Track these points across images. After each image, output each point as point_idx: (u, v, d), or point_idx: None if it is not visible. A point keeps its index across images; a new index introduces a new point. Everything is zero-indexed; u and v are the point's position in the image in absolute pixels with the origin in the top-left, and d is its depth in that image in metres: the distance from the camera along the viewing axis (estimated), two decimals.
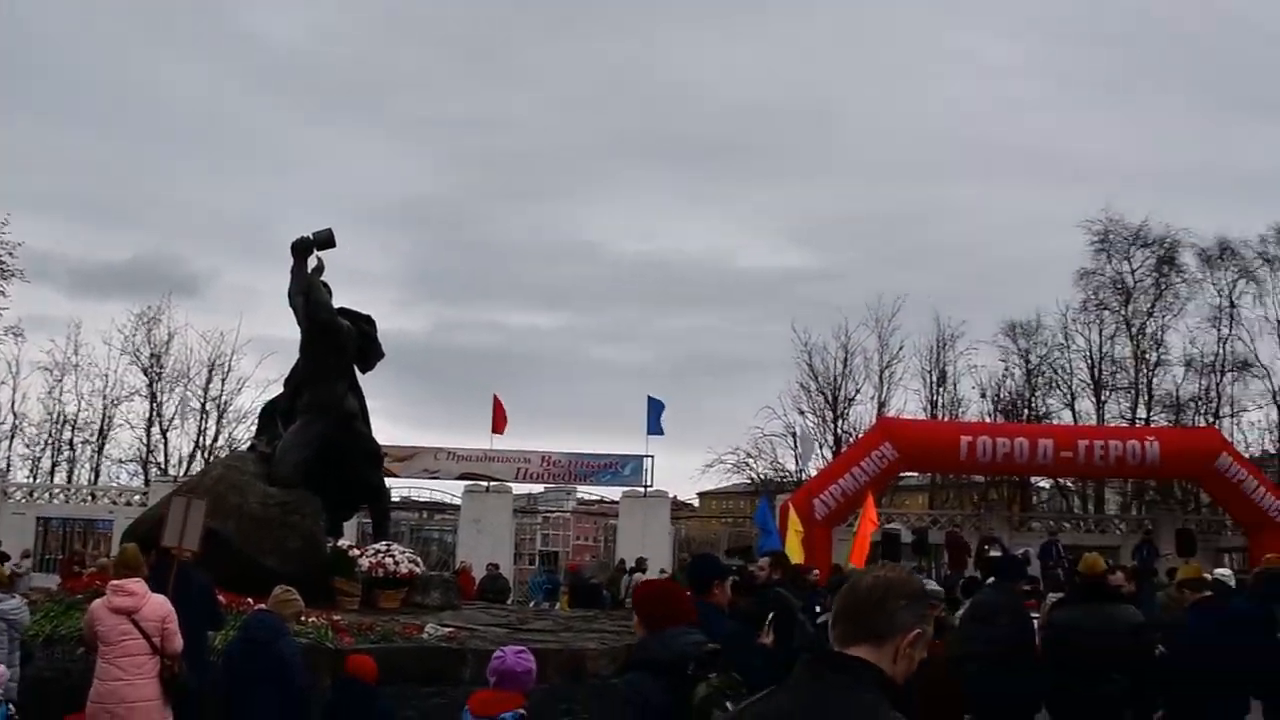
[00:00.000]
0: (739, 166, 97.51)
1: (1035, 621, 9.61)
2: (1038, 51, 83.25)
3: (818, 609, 10.22)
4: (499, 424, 31.46)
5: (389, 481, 18.58)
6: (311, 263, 14.95)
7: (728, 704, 4.47)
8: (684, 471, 78.55)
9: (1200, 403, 44.60)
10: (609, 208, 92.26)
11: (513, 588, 29.52)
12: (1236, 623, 8.26)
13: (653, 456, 32.31)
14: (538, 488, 44.46)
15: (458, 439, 38.67)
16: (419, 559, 15.71)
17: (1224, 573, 11.88)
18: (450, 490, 33.68)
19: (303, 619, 10.41)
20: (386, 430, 25.05)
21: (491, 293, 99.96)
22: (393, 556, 14.29)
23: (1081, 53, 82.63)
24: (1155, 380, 44.89)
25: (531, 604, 24.86)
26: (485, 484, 31.76)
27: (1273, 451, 44.41)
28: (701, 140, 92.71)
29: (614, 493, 33.76)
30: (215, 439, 40.33)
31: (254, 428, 18.82)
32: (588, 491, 41.93)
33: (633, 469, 32.45)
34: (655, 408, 31.64)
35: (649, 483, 32.15)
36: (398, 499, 36.57)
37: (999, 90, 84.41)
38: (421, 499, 36.77)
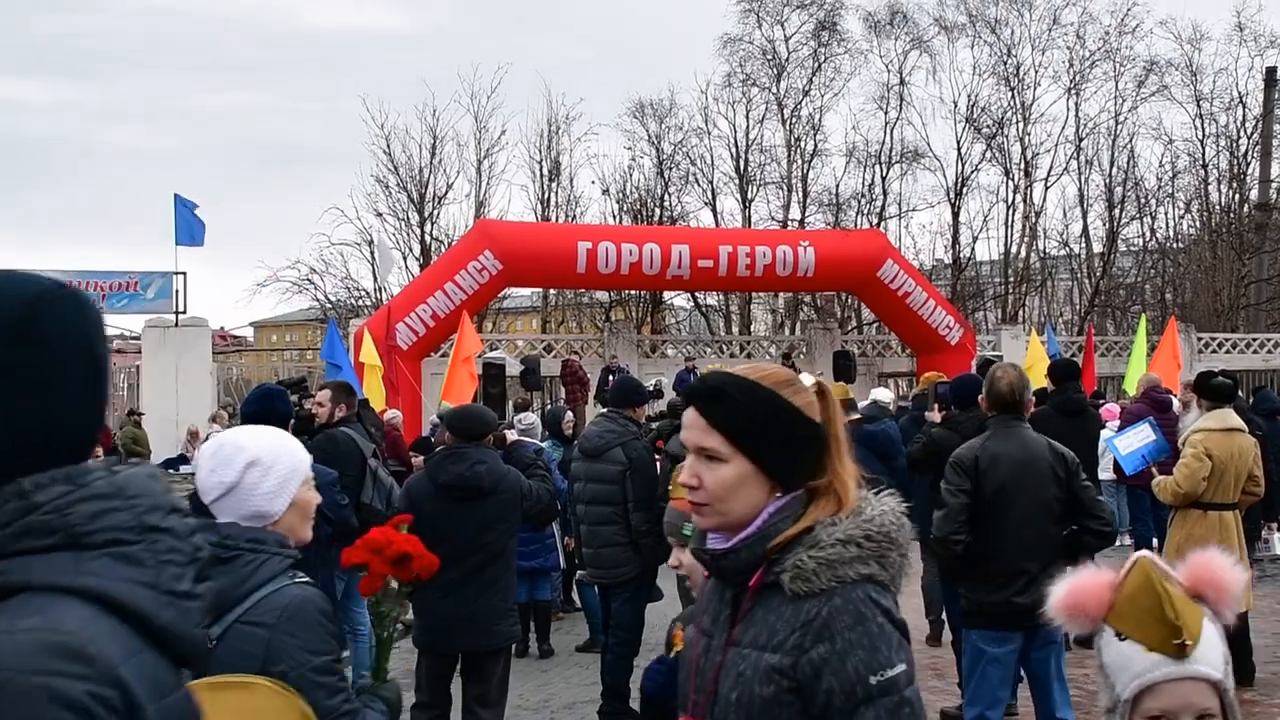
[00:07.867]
0: None
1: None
2: None
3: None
4: None
5: None
6: None
7: None
8: (230, 295, 75.60)
9: (863, 200, 44.87)
10: None
11: None
12: (869, 445, 10.18)
13: (185, 274, 29.85)
14: None
15: None
16: None
17: (883, 395, 12.77)
18: None
19: None
20: None
21: None
22: None
23: None
24: (811, 174, 44.96)
25: None
26: None
27: (946, 261, 44.97)
28: None
29: (136, 324, 30.97)
30: None
31: None
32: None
33: (159, 291, 30.11)
34: (186, 210, 29.05)
35: (181, 308, 29.62)
36: None
37: None
38: None
